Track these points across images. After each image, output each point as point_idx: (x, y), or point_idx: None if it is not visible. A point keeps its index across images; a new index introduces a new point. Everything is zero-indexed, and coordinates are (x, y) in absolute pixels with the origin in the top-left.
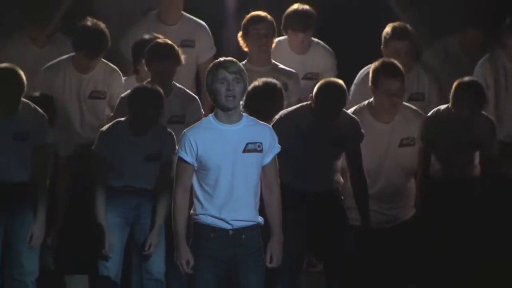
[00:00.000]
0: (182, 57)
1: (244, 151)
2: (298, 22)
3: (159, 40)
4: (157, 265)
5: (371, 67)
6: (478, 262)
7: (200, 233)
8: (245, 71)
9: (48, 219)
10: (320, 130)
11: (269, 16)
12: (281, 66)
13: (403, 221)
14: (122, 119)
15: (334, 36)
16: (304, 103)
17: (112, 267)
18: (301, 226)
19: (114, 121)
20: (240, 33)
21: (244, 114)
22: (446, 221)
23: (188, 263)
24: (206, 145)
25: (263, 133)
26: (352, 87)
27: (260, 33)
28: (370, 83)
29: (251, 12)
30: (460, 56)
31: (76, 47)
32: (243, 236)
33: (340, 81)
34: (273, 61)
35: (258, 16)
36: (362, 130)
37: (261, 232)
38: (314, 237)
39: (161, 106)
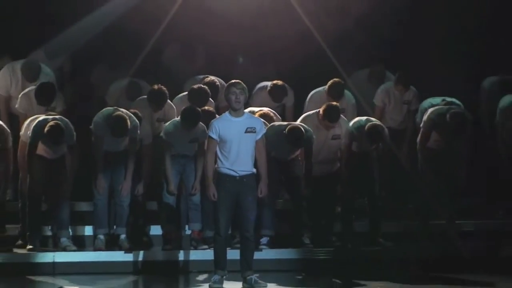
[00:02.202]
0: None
1: (245, 132)
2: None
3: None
4: (196, 196)
5: (319, 94)
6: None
7: (220, 178)
8: (246, 88)
9: (135, 179)
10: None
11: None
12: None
13: (332, 172)
14: (177, 119)
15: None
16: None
17: (171, 197)
18: (277, 174)
19: (173, 119)
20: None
21: (245, 111)
22: (357, 170)
23: (214, 195)
24: (224, 129)
25: (256, 123)
26: (306, 102)
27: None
28: (321, 112)
29: None
30: (368, 84)
31: (148, 102)
32: (244, 180)
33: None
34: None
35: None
36: (314, 136)
37: (255, 177)
38: (285, 180)
39: (199, 119)
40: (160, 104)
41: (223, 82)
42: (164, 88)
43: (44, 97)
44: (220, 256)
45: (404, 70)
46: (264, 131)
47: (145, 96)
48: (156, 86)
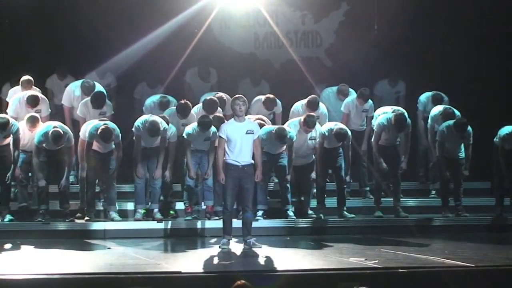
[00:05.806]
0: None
1: (246, 133)
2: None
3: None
4: (209, 180)
5: (300, 106)
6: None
7: (227, 166)
8: (246, 101)
9: (164, 167)
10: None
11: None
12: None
13: (309, 163)
14: (195, 123)
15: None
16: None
17: (191, 180)
18: (269, 164)
19: (192, 124)
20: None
21: (246, 117)
22: (327, 161)
23: (223, 179)
24: (230, 131)
25: (254, 126)
26: (290, 113)
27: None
28: (301, 120)
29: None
30: (336, 99)
31: (177, 112)
32: (245, 168)
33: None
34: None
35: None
36: (295, 137)
37: (253, 166)
38: (275, 168)
39: (211, 124)
40: (186, 113)
41: (229, 96)
42: (189, 102)
43: (97, 102)
44: (227, 224)
45: (363, 88)
46: (259, 132)
47: (174, 108)
48: (183, 101)
